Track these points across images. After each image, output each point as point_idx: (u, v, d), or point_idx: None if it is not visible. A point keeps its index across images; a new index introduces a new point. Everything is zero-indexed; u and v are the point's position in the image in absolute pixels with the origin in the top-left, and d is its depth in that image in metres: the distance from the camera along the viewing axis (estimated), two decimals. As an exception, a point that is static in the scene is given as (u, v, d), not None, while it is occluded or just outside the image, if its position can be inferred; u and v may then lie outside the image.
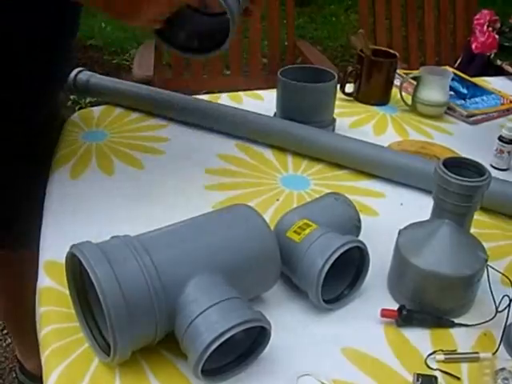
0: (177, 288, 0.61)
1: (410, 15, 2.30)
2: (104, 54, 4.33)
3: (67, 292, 0.69)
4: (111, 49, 4.46)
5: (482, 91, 1.44)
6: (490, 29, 1.04)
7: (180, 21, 0.86)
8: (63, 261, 0.67)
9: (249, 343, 0.65)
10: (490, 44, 1.03)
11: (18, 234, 1.16)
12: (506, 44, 0.98)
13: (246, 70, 2.27)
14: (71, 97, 3.17)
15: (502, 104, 1.37)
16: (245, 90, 1.38)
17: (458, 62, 2.16)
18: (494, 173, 1.03)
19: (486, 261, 0.72)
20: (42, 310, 0.72)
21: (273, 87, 1.21)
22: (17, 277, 1.34)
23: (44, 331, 0.68)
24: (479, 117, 1.31)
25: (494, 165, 1.10)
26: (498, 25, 1.08)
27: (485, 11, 1.08)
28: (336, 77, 1.13)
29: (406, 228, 0.77)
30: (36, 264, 1.26)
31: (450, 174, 0.70)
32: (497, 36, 1.02)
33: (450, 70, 1.51)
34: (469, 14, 2.34)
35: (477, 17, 1.09)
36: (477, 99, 1.39)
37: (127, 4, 0.76)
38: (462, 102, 1.36)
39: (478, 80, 1.52)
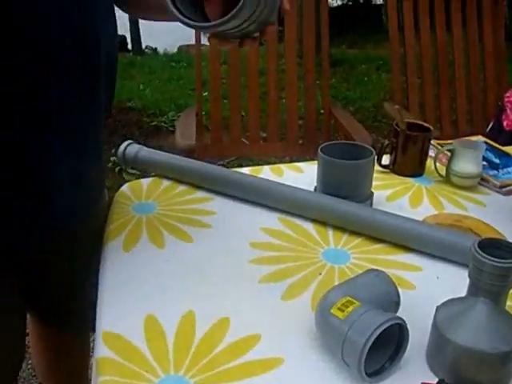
0: None
1: (442, 74, 2.38)
2: (143, 116, 4.47)
3: (126, 363, 0.75)
4: (150, 111, 4.61)
5: (514, 160, 1.48)
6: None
7: None
8: (120, 332, 0.73)
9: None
10: (522, 122, 1.08)
11: (68, 313, 1.23)
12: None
13: (282, 131, 2.35)
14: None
15: (536, 174, 1.41)
16: (282, 156, 1.44)
17: (490, 127, 2.21)
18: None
19: (522, 337, 0.76)
20: (100, 379, 0.77)
21: (307, 152, 1.26)
22: (57, 350, 1.41)
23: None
24: (512, 187, 1.35)
25: (528, 236, 1.14)
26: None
27: (515, 89, 1.14)
28: (374, 153, 1.19)
29: (443, 304, 0.81)
30: (79, 339, 1.33)
31: (484, 255, 0.74)
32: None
33: (482, 139, 1.57)
34: (499, 71, 2.41)
35: (507, 94, 1.14)
36: (509, 169, 1.43)
37: None
38: (495, 172, 1.41)
39: (510, 149, 1.56)
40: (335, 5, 12.75)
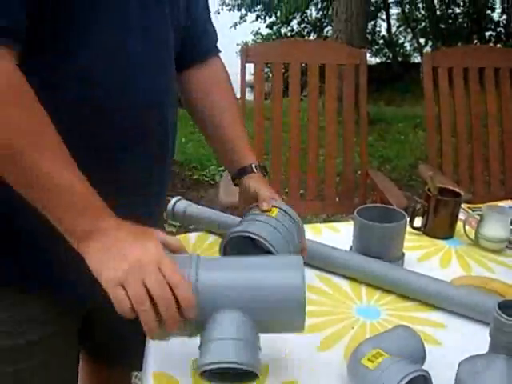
0: (208, 297, 0.84)
1: (475, 136, 2.47)
2: (184, 170, 4.62)
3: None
4: (191, 164, 4.76)
5: (542, 226, 1.55)
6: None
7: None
8: (167, 371, 0.88)
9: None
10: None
11: (120, 349, 1.33)
12: None
13: (320, 188, 2.45)
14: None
15: (562, 239, 1.48)
16: (319, 213, 1.52)
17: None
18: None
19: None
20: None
21: (343, 210, 1.35)
22: None
23: None
24: (539, 251, 1.42)
25: (551, 300, 1.21)
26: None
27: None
28: (406, 217, 1.28)
29: (466, 360, 0.88)
30: (127, 374, 1.42)
31: (504, 316, 0.82)
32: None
33: (512, 204, 1.64)
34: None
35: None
36: (537, 234, 1.50)
37: None
38: (523, 236, 1.48)
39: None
40: (374, 62, 12.99)
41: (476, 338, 0.93)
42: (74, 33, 0.88)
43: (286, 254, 1.06)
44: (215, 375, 0.84)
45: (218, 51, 1.34)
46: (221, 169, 4.27)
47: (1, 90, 0.80)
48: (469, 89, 2.46)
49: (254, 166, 1.22)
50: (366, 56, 2.41)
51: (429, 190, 1.47)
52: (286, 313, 0.88)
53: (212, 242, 1.40)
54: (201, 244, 1.39)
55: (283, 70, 2.41)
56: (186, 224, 1.47)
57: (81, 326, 1.19)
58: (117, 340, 1.30)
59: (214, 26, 1.32)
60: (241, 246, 1.16)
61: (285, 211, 1.14)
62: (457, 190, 1.50)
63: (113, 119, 0.97)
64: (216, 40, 1.33)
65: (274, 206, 1.14)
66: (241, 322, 0.84)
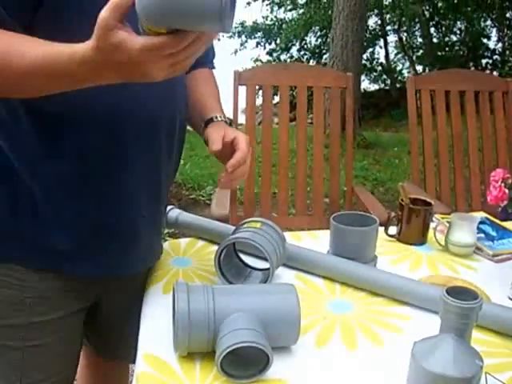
0: (223, 316, 1.02)
1: (457, 158, 2.60)
2: (182, 190, 4.74)
3: (161, 376, 0.96)
4: (189, 185, 4.89)
5: (509, 234, 1.66)
6: (503, 184, 1.28)
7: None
8: (157, 354, 1.02)
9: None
10: (501, 197, 1.27)
11: (118, 342, 1.44)
12: (514, 196, 1.24)
13: (310, 208, 2.57)
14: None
15: (527, 245, 1.59)
16: (307, 228, 1.65)
17: (501, 207, 2.39)
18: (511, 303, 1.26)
19: (482, 367, 0.94)
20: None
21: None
22: (103, 378, 1.62)
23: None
24: (504, 256, 1.53)
25: (510, 297, 1.32)
26: (510, 181, 1.32)
27: (499, 170, 1.33)
28: (377, 222, 1.40)
29: (420, 340, 1.00)
30: (123, 368, 1.54)
31: (450, 298, 0.94)
32: (507, 190, 1.27)
33: (484, 214, 1.76)
34: (511, 155, 2.62)
35: (493, 174, 1.34)
36: (504, 241, 1.61)
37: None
38: (491, 243, 1.59)
39: (509, 224, 1.74)
40: (372, 89, 13.18)
41: (435, 326, 1.04)
42: None
43: (275, 259, 1.26)
44: (232, 368, 1.00)
45: (213, 67, 1.46)
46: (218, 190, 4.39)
47: None
48: (450, 111, 2.59)
49: (216, 116, 1.30)
50: (352, 80, 2.53)
51: (402, 200, 1.59)
52: (284, 328, 1.06)
53: (201, 247, 1.51)
54: (190, 249, 1.51)
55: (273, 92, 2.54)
56: (179, 230, 1.59)
57: (86, 318, 1.31)
58: (117, 332, 1.42)
59: (212, 44, 1.40)
60: (231, 253, 1.33)
61: (266, 223, 1.32)
62: (428, 200, 1.62)
63: (124, 129, 1.11)
64: (213, 56, 1.46)
65: (258, 221, 1.32)
66: (250, 319, 1.03)
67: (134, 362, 1.09)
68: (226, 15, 0.78)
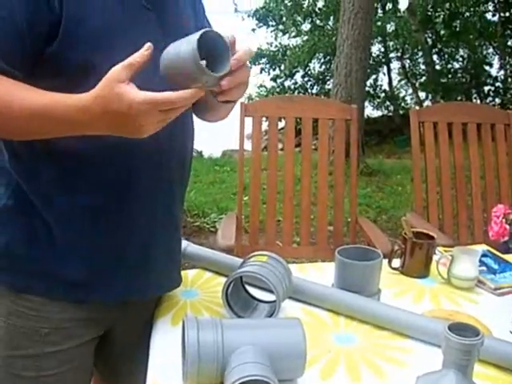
0: (231, 350, 1.05)
1: (459, 188, 2.63)
2: (187, 217, 4.76)
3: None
4: (193, 212, 4.91)
5: (511, 267, 1.69)
6: (504, 220, 1.31)
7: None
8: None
9: None
10: (502, 233, 1.31)
11: (129, 372, 1.46)
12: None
13: (313, 236, 2.60)
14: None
15: (528, 279, 1.62)
16: (312, 258, 1.67)
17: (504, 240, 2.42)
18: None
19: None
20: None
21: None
22: None
23: None
24: (506, 289, 1.56)
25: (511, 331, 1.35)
26: (511, 216, 1.35)
27: (500, 206, 1.36)
28: (381, 256, 1.43)
29: (422, 375, 1.03)
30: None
31: (452, 334, 0.97)
32: (508, 226, 1.30)
33: (485, 247, 1.79)
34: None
35: (494, 210, 1.37)
36: (506, 274, 1.64)
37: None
38: (493, 276, 1.62)
39: (511, 257, 1.77)
40: (375, 115, 13.25)
41: (437, 360, 1.07)
42: None
43: (282, 292, 1.30)
44: None
45: None
46: (221, 216, 4.42)
47: None
48: (453, 142, 2.64)
49: None
50: (356, 111, 2.58)
51: (405, 233, 1.62)
52: (290, 361, 1.10)
53: (208, 278, 1.55)
54: (197, 280, 1.54)
55: (279, 123, 2.59)
56: (186, 262, 1.62)
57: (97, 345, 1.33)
58: (126, 361, 1.44)
59: None
60: (238, 285, 1.37)
61: (272, 257, 1.37)
62: (431, 233, 1.65)
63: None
64: None
65: (264, 255, 1.38)
66: (258, 352, 1.06)
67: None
68: (205, 73, 0.95)
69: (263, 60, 13.77)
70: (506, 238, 1.36)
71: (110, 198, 1.16)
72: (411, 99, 13.82)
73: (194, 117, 1.37)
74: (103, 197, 1.16)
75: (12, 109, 0.99)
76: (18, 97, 0.99)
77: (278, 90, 13.39)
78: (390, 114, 13.19)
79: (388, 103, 13.61)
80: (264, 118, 2.64)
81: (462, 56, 13.23)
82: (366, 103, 10.97)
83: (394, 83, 13.81)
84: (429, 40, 12.86)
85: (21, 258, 1.15)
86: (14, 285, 1.17)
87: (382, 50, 13.00)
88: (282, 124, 2.71)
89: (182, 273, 1.56)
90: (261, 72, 13.73)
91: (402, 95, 14.07)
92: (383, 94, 13.72)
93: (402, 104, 13.76)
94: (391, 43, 12.95)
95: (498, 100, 12.55)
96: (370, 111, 13.16)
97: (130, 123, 0.96)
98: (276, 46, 13.78)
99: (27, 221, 1.14)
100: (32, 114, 0.99)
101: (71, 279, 1.17)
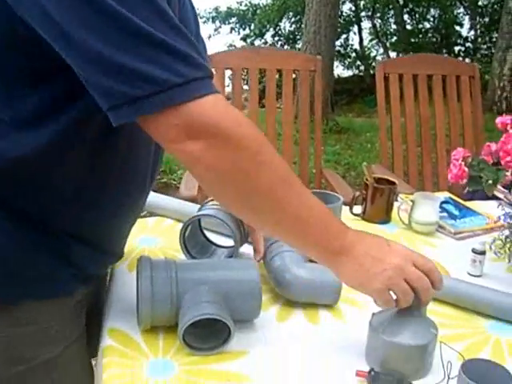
0: (186, 290, 1.04)
1: (424, 142, 2.64)
2: (154, 174, 4.73)
3: (125, 350, 0.98)
4: (160, 169, 4.87)
5: (471, 213, 1.70)
6: (463, 163, 1.31)
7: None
8: (122, 328, 1.04)
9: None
10: (461, 175, 1.30)
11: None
12: (473, 174, 1.24)
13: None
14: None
15: (487, 224, 1.63)
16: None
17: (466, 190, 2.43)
18: (470, 279, 1.30)
19: (436, 335, 0.97)
20: (104, 360, 1.00)
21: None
22: None
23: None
24: (465, 234, 1.57)
25: (470, 272, 1.35)
26: (470, 160, 1.35)
27: (460, 149, 1.36)
28: (341, 200, 1.42)
29: (377, 312, 1.03)
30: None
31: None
32: (466, 169, 1.29)
33: (447, 194, 1.80)
34: (477, 139, 2.66)
35: (454, 153, 1.37)
36: (466, 219, 1.65)
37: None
38: (453, 221, 1.63)
39: (472, 204, 1.78)
40: (346, 75, 13.22)
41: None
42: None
43: (240, 236, 1.28)
44: (195, 340, 1.02)
45: None
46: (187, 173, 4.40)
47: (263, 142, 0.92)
48: (418, 94, 2.63)
49: None
50: (320, 62, 2.55)
51: (367, 179, 1.61)
52: (245, 302, 1.08)
53: (168, 226, 1.53)
54: (157, 227, 1.52)
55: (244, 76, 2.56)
56: (147, 211, 1.59)
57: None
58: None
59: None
60: (196, 230, 1.36)
61: None
62: (392, 179, 1.65)
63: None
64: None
65: None
66: (212, 292, 1.04)
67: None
68: None
69: (233, 19, 13.61)
70: (465, 181, 1.36)
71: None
72: (382, 59, 13.80)
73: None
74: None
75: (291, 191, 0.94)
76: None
77: (244, 47, 13.24)
78: (361, 73, 13.16)
79: (359, 63, 13.58)
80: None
81: (433, 16, 13.20)
82: (337, 63, 10.94)
83: (365, 43, 13.75)
84: (400, -1, 12.82)
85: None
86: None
87: (353, 8, 12.92)
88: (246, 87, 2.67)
89: (141, 220, 1.55)
90: (231, 31, 13.59)
91: (372, 55, 14.04)
92: (354, 54, 13.68)
93: (373, 64, 13.74)
94: (362, 2, 12.87)
95: (468, 60, 12.58)
96: (341, 71, 13.13)
97: (376, 269, 0.95)
98: (246, 5, 13.61)
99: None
100: (311, 206, 0.96)
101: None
